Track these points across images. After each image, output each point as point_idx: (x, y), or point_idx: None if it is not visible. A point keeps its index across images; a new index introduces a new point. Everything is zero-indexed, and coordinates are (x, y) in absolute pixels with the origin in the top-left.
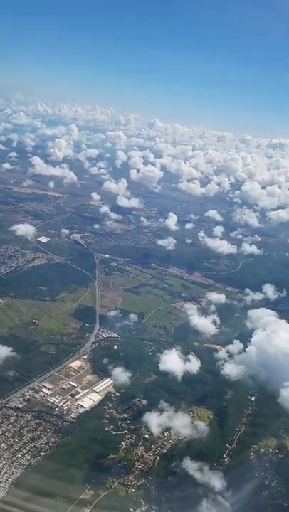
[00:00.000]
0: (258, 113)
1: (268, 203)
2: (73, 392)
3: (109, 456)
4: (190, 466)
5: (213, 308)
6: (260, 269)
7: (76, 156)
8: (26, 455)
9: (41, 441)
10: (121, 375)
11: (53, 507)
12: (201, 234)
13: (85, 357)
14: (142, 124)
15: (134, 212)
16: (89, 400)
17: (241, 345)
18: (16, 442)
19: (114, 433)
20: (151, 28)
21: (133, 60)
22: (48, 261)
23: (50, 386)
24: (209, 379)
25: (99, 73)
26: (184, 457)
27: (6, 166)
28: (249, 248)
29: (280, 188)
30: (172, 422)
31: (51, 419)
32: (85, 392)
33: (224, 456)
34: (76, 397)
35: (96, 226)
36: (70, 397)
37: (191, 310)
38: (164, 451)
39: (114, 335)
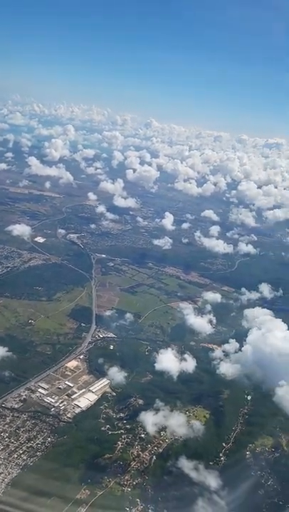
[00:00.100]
0: (255, 113)
1: (264, 203)
2: (69, 392)
3: (106, 456)
4: (186, 465)
5: (209, 307)
6: (256, 269)
7: (72, 156)
8: (22, 455)
9: (37, 442)
10: (117, 374)
11: (50, 506)
12: (198, 234)
13: (82, 357)
14: (138, 124)
15: (130, 212)
16: (85, 400)
17: (237, 345)
18: (12, 442)
19: (110, 433)
20: (147, 28)
21: (130, 60)
22: (45, 261)
23: (46, 386)
24: (205, 378)
25: (95, 73)
26: (180, 456)
27: (3, 166)
28: (245, 248)
29: (276, 187)
30: (168, 422)
31: (47, 419)
32: (81, 392)
33: (220, 455)
34: (72, 397)
35: (92, 226)
36: (66, 397)
37: (188, 309)
38: (161, 450)
39: (111, 335)
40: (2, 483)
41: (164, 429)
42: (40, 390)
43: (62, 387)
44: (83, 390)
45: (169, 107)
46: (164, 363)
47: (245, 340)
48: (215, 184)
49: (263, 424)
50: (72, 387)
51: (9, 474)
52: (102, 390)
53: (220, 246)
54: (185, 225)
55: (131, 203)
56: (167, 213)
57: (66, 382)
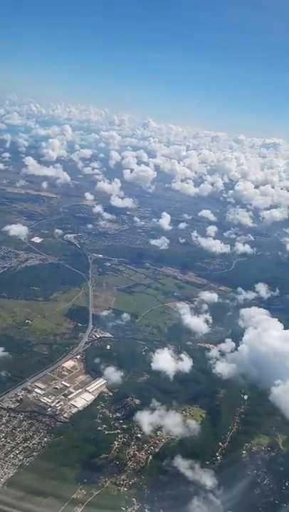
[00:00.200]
0: (252, 113)
1: (261, 203)
2: (66, 392)
3: (102, 456)
4: (182, 464)
5: (205, 307)
6: (253, 269)
7: (70, 157)
8: (19, 455)
9: (34, 442)
10: (114, 374)
11: (46, 506)
12: (195, 234)
13: (78, 357)
14: (135, 124)
15: (127, 212)
16: (82, 400)
17: (233, 344)
18: (9, 442)
19: (106, 432)
20: (145, 28)
21: (127, 60)
22: (42, 261)
23: (42, 386)
24: (202, 378)
25: (93, 73)
26: (176, 456)
27: (0, 166)
28: (242, 247)
29: (273, 187)
30: (165, 421)
31: (44, 420)
32: (77, 392)
33: (216, 454)
34: (69, 397)
35: (89, 226)
36: (62, 397)
37: (184, 309)
38: (157, 450)
39: (108, 335)
40: None
41: (160, 428)
42: (36, 390)
43: (58, 387)
44: (80, 389)
45: (166, 107)
46: (160, 362)
47: (241, 340)
48: (212, 184)
49: (259, 424)
50: (68, 387)
51: (5, 474)
52: (98, 389)
53: (217, 246)
54: (182, 225)
55: (128, 203)
56: (164, 213)
57: (63, 382)
